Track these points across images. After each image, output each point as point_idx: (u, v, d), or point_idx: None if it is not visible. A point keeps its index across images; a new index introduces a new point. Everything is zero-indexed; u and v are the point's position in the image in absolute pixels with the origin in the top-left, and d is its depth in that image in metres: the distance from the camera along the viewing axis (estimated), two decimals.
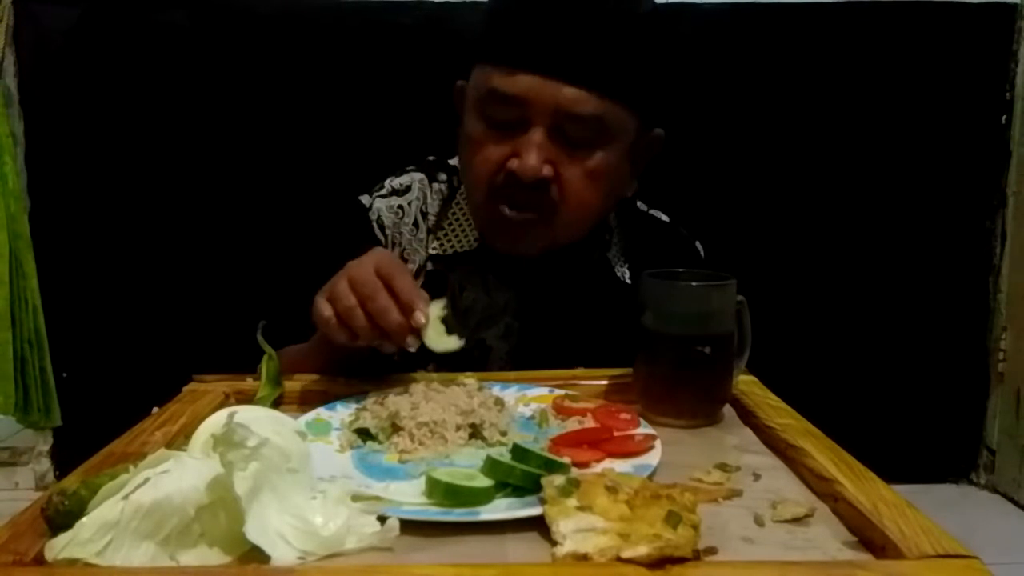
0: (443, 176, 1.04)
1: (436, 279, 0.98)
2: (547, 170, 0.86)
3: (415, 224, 1.01)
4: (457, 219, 1.01)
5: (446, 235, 1.00)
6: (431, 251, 1.00)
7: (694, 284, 0.80)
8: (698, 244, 1.10)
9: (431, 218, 1.02)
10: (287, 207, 2.06)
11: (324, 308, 0.77)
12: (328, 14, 2.07)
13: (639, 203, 1.08)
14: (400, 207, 1.02)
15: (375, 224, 1.02)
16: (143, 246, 2.12)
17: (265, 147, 2.09)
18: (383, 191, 1.04)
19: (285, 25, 2.06)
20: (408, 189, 1.03)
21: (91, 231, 2.11)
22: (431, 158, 1.08)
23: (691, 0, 2.09)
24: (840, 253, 2.21)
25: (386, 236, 1.01)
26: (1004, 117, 2.20)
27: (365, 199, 1.04)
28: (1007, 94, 2.19)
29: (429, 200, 1.02)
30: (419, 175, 1.05)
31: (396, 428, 0.70)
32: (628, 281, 1.01)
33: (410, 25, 2.06)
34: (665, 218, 1.10)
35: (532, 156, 0.84)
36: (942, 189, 2.20)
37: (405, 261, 0.99)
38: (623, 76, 0.85)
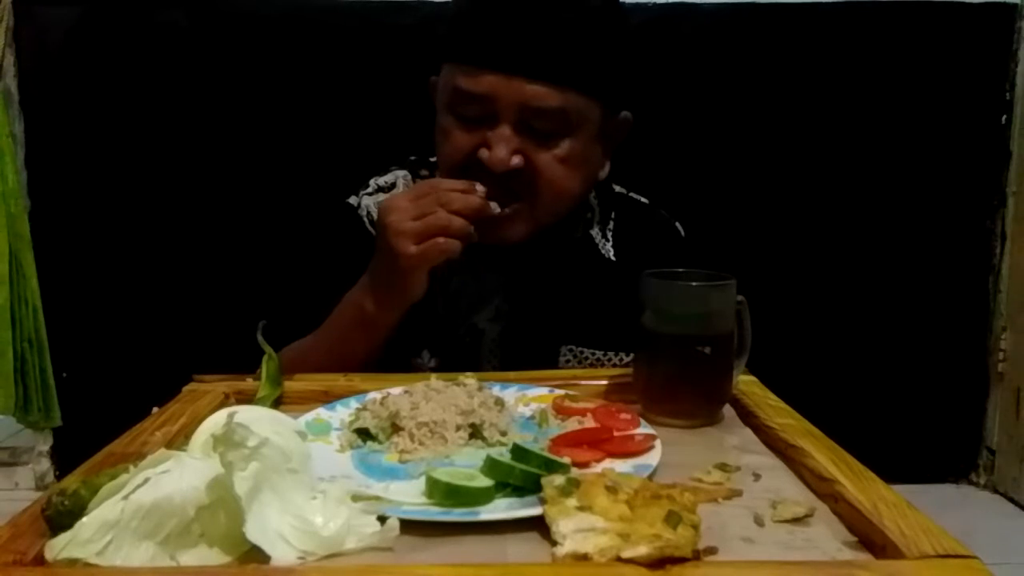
0: (425, 172, 1.07)
1: None
2: (516, 160, 0.88)
3: None
4: None
5: None
6: None
7: (694, 284, 0.80)
8: (678, 224, 1.13)
9: None
10: (287, 207, 2.06)
11: (407, 247, 0.83)
12: (328, 14, 2.07)
13: (616, 187, 1.11)
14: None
15: (365, 220, 1.04)
16: (143, 246, 2.12)
17: (265, 147, 2.09)
18: (369, 189, 1.07)
19: (285, 25, 2.06)
20: (393, 186, 1.06)
21: (91, 231, 2.11)
22: (412, 157, 1.11)
23: (691, 0, 2.09)
24: (840, 253, 2.21)
25: (376, 230, 1.03)
26: (1004, 117, 2.20)
27: (353, 200, 1.06)
28: (1007, 94, 2.19)
29: None
30: (402, 172, 1.08)
31: (396, 428, 0.70)
32: (612, 258, 1.04)
33: (410, 25, 2.06)
34: (644, 200, 1.13)
35: (501, 148, 0.87)
36: (942, 189, 2.20)
37: None
38: (582, 68, 0.89)
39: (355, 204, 1.05)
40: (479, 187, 0.85)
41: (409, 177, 1.07)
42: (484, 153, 0.89)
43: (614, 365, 1.02)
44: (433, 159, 1.07)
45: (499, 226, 0.92)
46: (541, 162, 0.90)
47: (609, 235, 1.06)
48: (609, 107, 0.94)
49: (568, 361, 1.01)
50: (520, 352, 1.00)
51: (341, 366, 0.88)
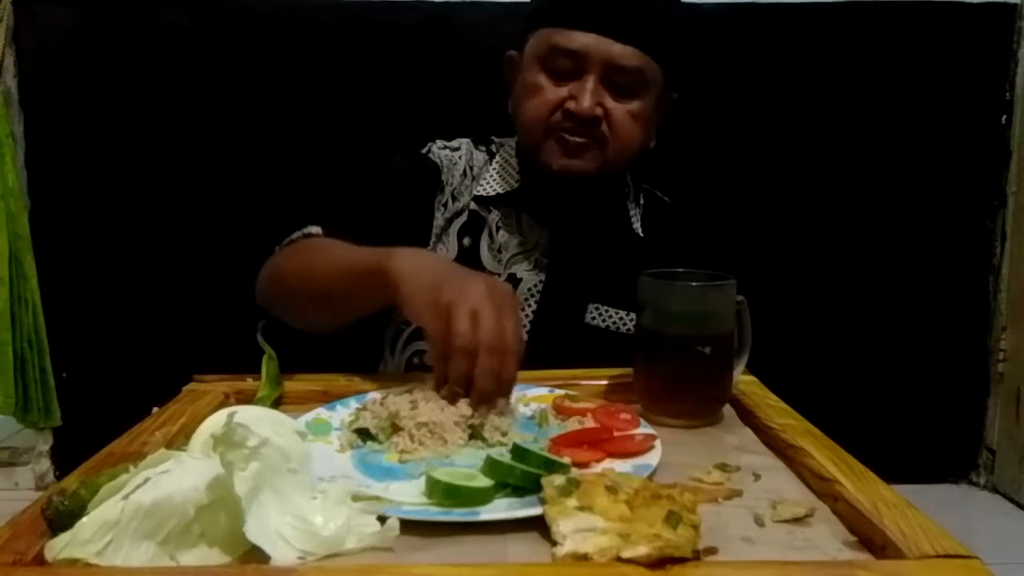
0: (482, 147, 1.19)
1: (476, 218, 1.12)
2: (598, 110, 1.01)
3: (464, 173, 1.15)
4: (498, 168, 1.15)
5: (488, 181, 1.14)
6: (475, 193, 1.13)
7: (694, 284, 0.80)
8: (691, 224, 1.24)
9: (476, 169, 1.16)
10: (286, 207, 2.06)
11: (432, 320, 0.75)
12: (328, 14, 2.06)
13: (644, 185, 1.22)
14: (452, 156, 1.16)
15: (434, 158, 1.15)
16: (143, 246, 2.12)
17: (265, 148, 2.09)
18: (437, 144, 1.18)
19: (285, 25, 2.06)
20: (459, 148, 1.18)
21: (91, 231, 2.11)
22: (468, 139, 1.21)
23: (691, 0, 2.09)
24: (840, 253, 2.20)
25: (443, 171, 1.14)
26: (1004, 117, 2.19)
27: (423, 149, 1.17)
28: (1007, 94, 2.18)
29: (475, 157, 1.17)
30: (466, 140, 1.20)
31: (396, 428, 0.70)
32: (641, 234, 1.15)
33: (410, 25, 2.06)
34: (667, 199, 1.25)
35: (587, 98, 1.00)
36: (942, 189, 2.20)
37: (454, 200, 1.13)
38: (659, 37, 1.03)
39: (426, 151, 1.16)
40: (503, 403, 0.76)
41: (471, 144, 1.19)
42: (571, 104, 1.01)
43: (634, 325, 1.06)
44: (495, 138, 1.19)
45: (571, 153, 1.03)
46: (616, 113, 1.03)
47: (639, 214, 1.17)
48: (668, 80, 1.07)
49: (593, 318, 1.10)
50: (552, 303, 1.09)
51: (330, 285, 0.92)
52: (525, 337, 1.06)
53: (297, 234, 1.05)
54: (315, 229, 1.03)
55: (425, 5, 2.06)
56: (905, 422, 2.27)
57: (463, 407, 0.72)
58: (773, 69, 2.12)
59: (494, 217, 1.12)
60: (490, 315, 0.74)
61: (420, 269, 0.82)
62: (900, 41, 2.13)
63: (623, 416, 0.74)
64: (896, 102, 2.15)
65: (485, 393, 0.73)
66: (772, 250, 2.16)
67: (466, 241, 1.11)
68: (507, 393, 0.76)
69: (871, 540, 0.52)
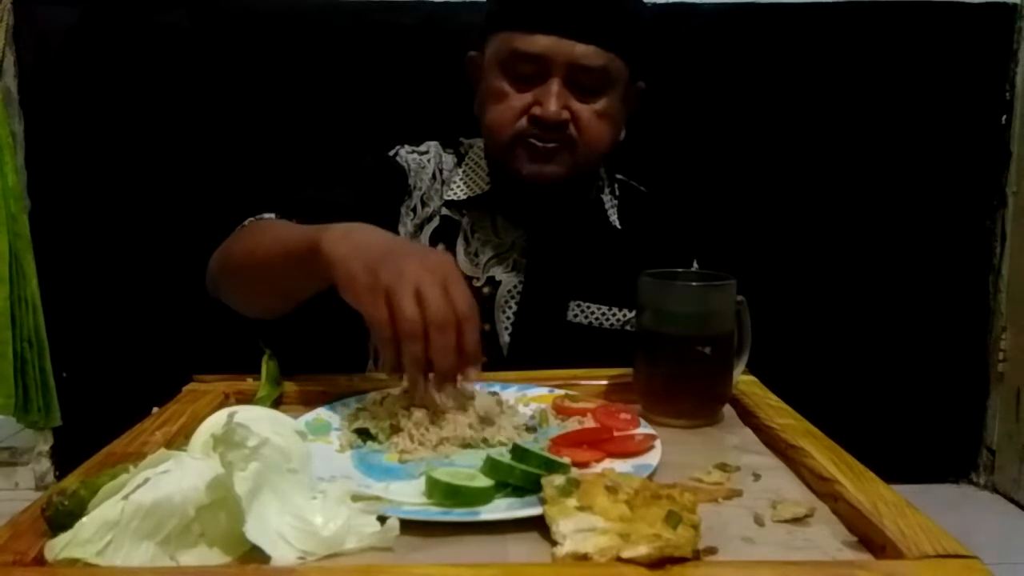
0: (451, 150, 1.17)
1: (449, 224, 1.10)
2: (565, 113, 1.00)
3: (433, 176, 1.13)
4: (468, 171, 1.13)
5: (458, 185, 1.12)
6: (446, 197, 1.11)
7: (694, 284, 0.80)
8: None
9: (446, 173, 1.14)
10: (286, 206, 2.06)
11: (373, 307, 0.71)
12: (328, 14, 2.06)
13: (618, 175, 1.20)
14: (420, 160, 1.14)
15: (399, 160, 1.12)
16: (143, 246, 2.12)
17: (265, 147, 2.09)
18: (405, 148, 1.15)
19: (285, 25, 2.06)
20: (427, 151, 1.16)
21: (91, 231, 2.11)
22: (435, 141, 1.19)
23: (691, 0, 2.09)
24: (840, 253, 2.21)
25: (411, 175, 1.12)
26: (1004, 117, 2.20)
27: (391, 152, 1.15)
28: (1007, 94, 2.19)
29: (444, 160, 1.15)
30: (434, 143, 1.18)
31: (396, 428, 0.70)
32: (618, 227, 1.13)
33: (410, 25, 2.06)
34: (643, 188, 1.23)
35: (552, 103, 0.98)
36: (942, 189, 2.20)
37: (424, 205, 1.11)
38: (621, 33, 1.01)
39: (393, 154, 1.15)
40: (471, 373, 0.73)
41: (439, 147, 1.16)
42: (537, 109, 0.99)
43: (617, 320, 1.08)
44: (463, 140, 1.17)
45: (541, 160, 1.01)
46: (583, 115, 1.01)
47: (615, 206, 1.15)
48: (633, 73, 1.05)
49: (575, 315, 1.08)
50: (533, 303, 1.08)
51: (270, 268, 0.89)
52: (509, 328, 1.06)
53: (250, 220, 1.02)
54: (269, 215, 1.01)
55: (425, 5, 2.06)
56: (905, 422, 2.28)
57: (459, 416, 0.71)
58: (772, 69, 2.12)
59: (468, 221, 1.10)
60: (434, 290, 0.70)
61: (353, 250, 0.75)
62: (900, 41, 2.13)
63: (623, 416, 0.74)
64: (896, 102, 2.15)
65: (445, 371, 0.70)
66: (773, 250, 2.16)
67: (440, 247, 1.08)
68: (476, 362, 0.71)
69: (871, 540, 0.52)
